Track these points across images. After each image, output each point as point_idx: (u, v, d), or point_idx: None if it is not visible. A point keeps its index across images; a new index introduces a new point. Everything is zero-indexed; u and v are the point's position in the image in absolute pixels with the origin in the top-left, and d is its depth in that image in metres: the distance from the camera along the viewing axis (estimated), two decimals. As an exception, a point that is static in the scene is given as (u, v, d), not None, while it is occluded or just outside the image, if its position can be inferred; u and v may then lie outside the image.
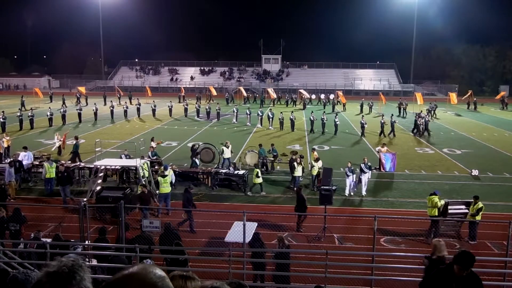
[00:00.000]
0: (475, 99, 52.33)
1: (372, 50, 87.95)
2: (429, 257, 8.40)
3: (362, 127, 32.08)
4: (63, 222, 13.22)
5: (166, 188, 15.80)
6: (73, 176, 18.45)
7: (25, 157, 19.55)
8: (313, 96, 59.30)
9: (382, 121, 32.04)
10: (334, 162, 22.45)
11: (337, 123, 32.89)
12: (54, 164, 17.78)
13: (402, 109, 44.83)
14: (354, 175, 18.39)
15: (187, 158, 23.64)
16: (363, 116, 35.50)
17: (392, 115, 34.26)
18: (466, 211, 14.14)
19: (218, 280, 1.94)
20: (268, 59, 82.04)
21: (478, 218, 13.47)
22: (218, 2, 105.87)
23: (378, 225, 10.31)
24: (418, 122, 33.04)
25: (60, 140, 24.32)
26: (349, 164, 18.33)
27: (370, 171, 18.66)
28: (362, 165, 18.29)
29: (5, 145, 23.37)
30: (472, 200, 13.97)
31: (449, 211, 14.06)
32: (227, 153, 21.62)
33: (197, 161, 21.06)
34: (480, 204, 13.54)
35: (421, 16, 74.95)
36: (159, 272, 1.37)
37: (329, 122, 33.56)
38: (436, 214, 13.94)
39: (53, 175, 17.47)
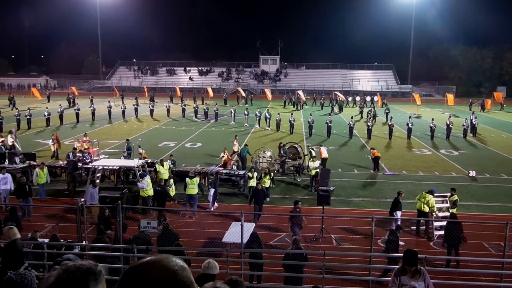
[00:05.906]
0: (482, 100, 52.55)
1: (370, 51, 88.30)
2: None
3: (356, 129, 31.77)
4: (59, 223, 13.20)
5: (193, 190, 15.69)
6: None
7: (2, 181, 15.64)
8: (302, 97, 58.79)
9: (432, 125, 31.28)
10: (333, 162, 22.48)
11: (330, 125, 32.38)
12: (46, 169, 17.25)
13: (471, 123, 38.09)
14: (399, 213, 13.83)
15: (186, 158, 23.63)
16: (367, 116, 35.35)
17: (434, 119, 32.81)
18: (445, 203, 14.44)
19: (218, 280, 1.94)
20: (266, 59, 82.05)
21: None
22: (216, 3, 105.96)
23: (376, 226, 10.31)
24: (474, 122, 33.86)
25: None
26: (402, 194, 14.32)
27: (400, 211, 14.03)
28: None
29: None
30: (449, 193, 14.32)
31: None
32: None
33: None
34: (455, 197, 13.72)
35: (419, 17, 75.26)
36: (181, 262, 1.41)
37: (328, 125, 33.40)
38: (422, 208, 14.00)
39: (44, 180, 17.00)
